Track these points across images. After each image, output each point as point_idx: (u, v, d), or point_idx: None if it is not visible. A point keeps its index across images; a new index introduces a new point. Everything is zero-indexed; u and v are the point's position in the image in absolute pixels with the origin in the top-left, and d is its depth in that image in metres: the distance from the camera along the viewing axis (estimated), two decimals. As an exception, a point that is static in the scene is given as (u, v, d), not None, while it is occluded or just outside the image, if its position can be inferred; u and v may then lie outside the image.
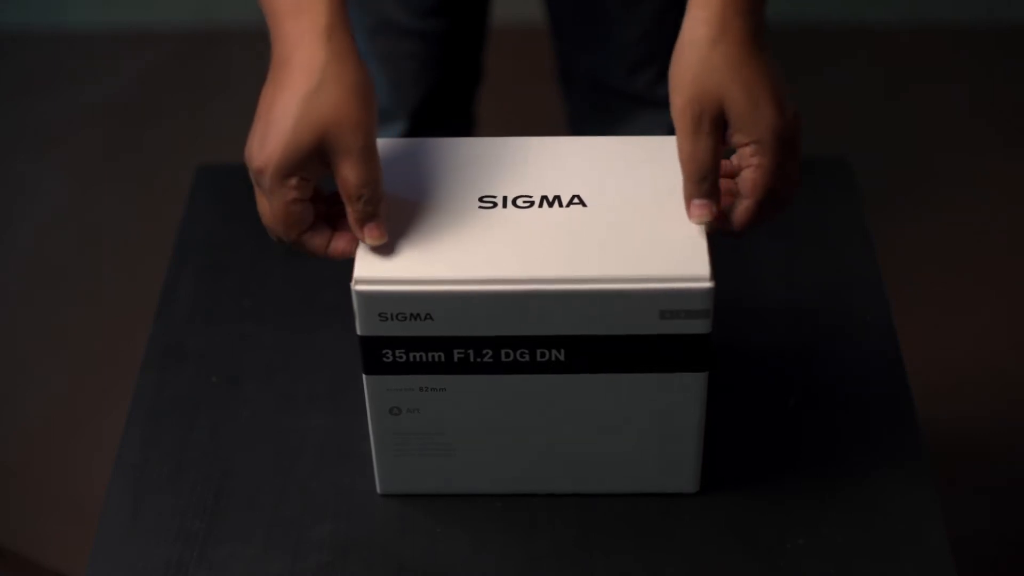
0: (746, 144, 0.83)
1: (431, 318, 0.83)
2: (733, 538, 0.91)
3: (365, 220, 0.84)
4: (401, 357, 0.85)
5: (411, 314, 0.83)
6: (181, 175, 1.35)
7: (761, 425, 0.98)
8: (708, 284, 0.83)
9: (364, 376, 0.87)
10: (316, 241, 0.86)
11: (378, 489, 0.94)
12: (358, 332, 0.85)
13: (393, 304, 0.83)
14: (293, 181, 0.83)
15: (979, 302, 1.96)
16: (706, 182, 0.83)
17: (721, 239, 0.88)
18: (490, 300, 0.83)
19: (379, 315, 0.84)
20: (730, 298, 0.90)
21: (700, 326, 0.84)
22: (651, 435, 0.90)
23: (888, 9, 2.42)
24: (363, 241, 0.84)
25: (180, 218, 1.16)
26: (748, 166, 0.84)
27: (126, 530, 0.93)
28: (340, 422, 0.99)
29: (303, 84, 0.82)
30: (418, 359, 0.85)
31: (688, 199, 0.85)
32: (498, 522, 0.92)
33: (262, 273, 1.11)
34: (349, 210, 0.84)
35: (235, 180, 1.21)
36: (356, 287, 0.83)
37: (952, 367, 1.84)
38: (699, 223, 0.85)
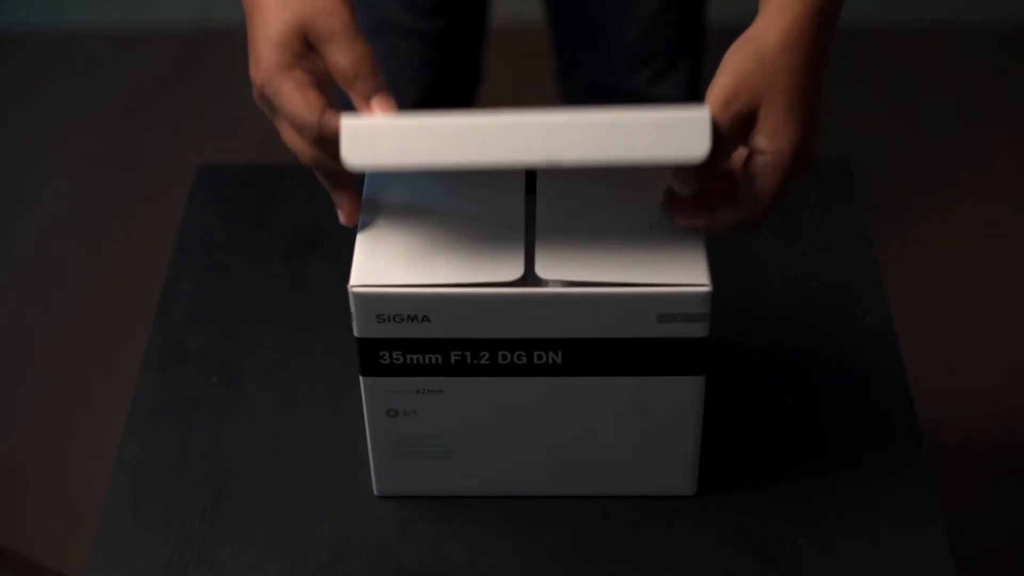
0: (764, 151, 0.82)
1: (428, 320, 0.83)
2: (733, 539, 0.91)
3: (370, 96, 0.82)
4: (398, 359, 0.85)
5: (408, 316, 0.83)
6: (181, 175, 1.35)
7: (760, 426, 0.98)
8: (706, 288, 0.83)
9: (361, 378, 0.87)
10: (336, 121, 0.82)
11: (375, 491, 0.94)
12: (355, 334, 0.85)
13: (390, 305, 0.83)
14: (295, 73, 0.82)
15: (979, 302, 1.96)
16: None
17: (721, 238, 0.88)
18: (487, 302, 0.83)
19: (376, 316, 0.84)
20: (729, 298, 0.90)
21: (698, 329, 0.84)
22: (648, 438, 0.90)
23: (889, 9, 2.42)
24: (375, 111, 0.82)
25: (180, 218, 1.17)
26: (755, 175, 0.83)
27: (126, 530, 0.93)
28: (340, 422, 0.99)
29: None
30: (415, 361, 0.85)
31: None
32: (497, 523, 0.92)
33: (262, 273, 1.11)
34: (351, 94, 0.83)
35: (235, 180, 1.21)
36: (353, 288, 0.83)
37: (952, 367, 1.84)
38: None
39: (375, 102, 0.82)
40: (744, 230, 0.85)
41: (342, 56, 0.82)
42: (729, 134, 0.81)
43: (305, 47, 0.82)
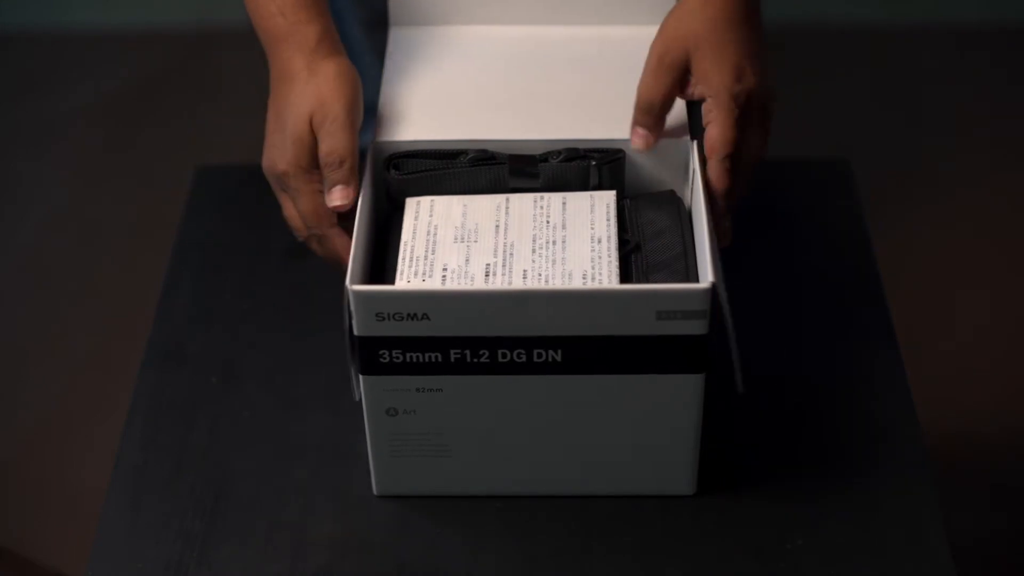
0: (703, 98, 0.91)
1: (428, 318, 0.83)
2: (733, 538, 0.91)
3: (331, 185, 0.91)
4: (398, 358, 0.85)
5: (408, 314, 0.83)
6: (181, 175, 1.35)
7: (760, 426, 0.98)
8: (705, 284, 0.83)
9: (361, 376, 0.87)
10: (343, 239, 0.93)
11: (375, 490, 0.94)
12: (355, 332, 0.85)
13: (390, 304, 0.83)
14: (314, 176, 0.92)
15: (979, 302, 1.96)
16: (650, 115, 0.93)
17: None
18: (487, 300, 0.83)
19: (376, 315, 0.84)
20: (728, 298, 0.90)
21: (697, 327, 0.84)
22: (647, 437, 0.90)
23: (888, 9, 2.42)
24: (330, 204, 0.92)
25: (180, 218, 1.17)
26: (708, 123, 0.91)
27: (126, 530, 0.93)
28: (340, 422, 0.99)
29: (299, 84, 0.93)
30: (415, 360, 0.85)
31: (632, 125, 0.94)
32: (497, 522, 0.92)
33: (262, 273, 1.11)
34: (325, 177, 0.92)
35: (235, 180, 1.21)
36: (353, 287, 0.83)
37: (952, 366, 1.84)
38: (635, 148, 0.93)
39: (334, 192, 0.92)
40: (744, 186, 0.93)
41: (328, 142, 0.92)
42: (670, 85, 0.92)
43: (312, 136, 0.92)
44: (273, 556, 0.91)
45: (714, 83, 0.91)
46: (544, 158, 0.92)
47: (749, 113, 0.91)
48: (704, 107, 0.91)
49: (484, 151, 0.92)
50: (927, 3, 2.42)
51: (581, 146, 0.93)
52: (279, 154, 0.93)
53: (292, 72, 0.94)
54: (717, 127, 0.90)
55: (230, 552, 0.91)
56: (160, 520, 0.93)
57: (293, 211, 0.94)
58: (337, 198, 0.92)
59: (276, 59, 0.96)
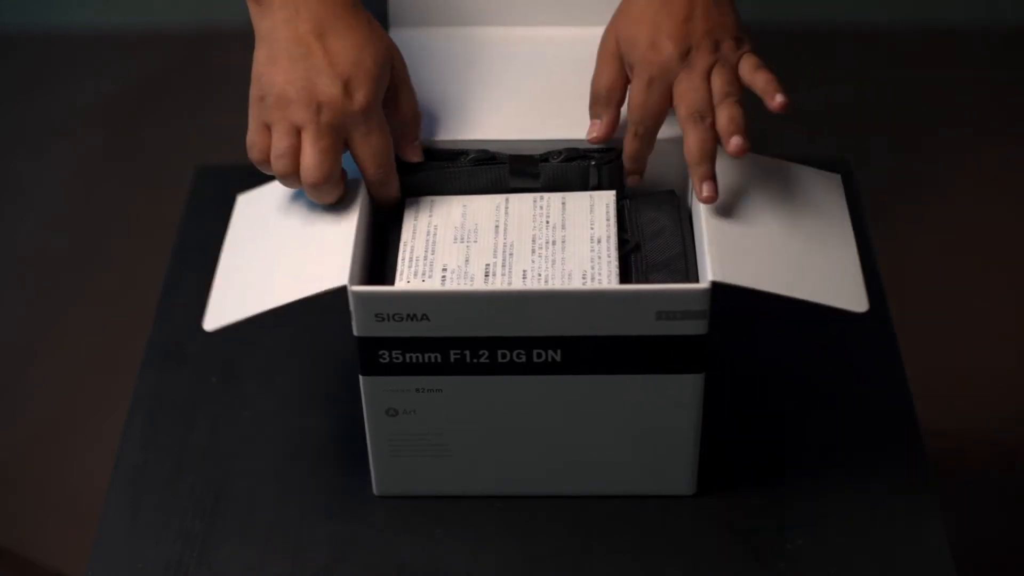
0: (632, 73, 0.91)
1: (427, 319, 0.84)
2: (733, 538, 0.91)
3: (413, 140, 0.92)
4: (398, 358, 0.85)
5: (408, 315, 0.84)
6: (181, 175, 1.35)
7: (760, 426, 0.98)
8: (705, 284, 0.83)
9: (361, 377, 0.87)
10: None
11: (375, 490, 0.94)
12: (355, 333, 0.85)
13: (390, 304, 0.83)
14: (383, 113, 0.89)
15: (979, 303, 1.96)
16: (596, 104, 0.93)
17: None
18: (487, 300, 0.83)
19: (376, 316, 0.84)
20: (728, 298, 0.90)
21: (697, 327, 0.84)
22: (647, 437, 0.90)
23: (889, 9, 2.42)
24: (409, 159, 0.92)
25: (180, 218, 1.17)
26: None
27: (126, 530, 0.93)
28: (340, 422, 0.99)
29: (363, 28, 0.89)
30: (415, 360, 0.85)
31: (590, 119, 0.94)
32: (498, 522, 0.92)
33: (262, 273, 1.11)
34: (403, 132, 0.91)
35: (235, 180, 1.20)
36: (353, 288, 0.83)
37: (952, 367, 1.84)
38: (589, 141, 0.92)
39: (413, 148, 0.92)
40: (737, 132, 0.88)
41: (410, 99, 0.91)
42: (611, 74, 0.92)
43: (387, 79, 0.89)
44: (273, 556, 0.91)
45: (632, 57, 0.91)
46: (544, 158, 0.92)
47: (685, 70, 0.89)
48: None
49: (484, 151, 0.92)
50: (927, 3, 2.42)
51: (581, 146, 0.93)
52: (347, 93, 0.86)
53: (344, 15, 0.89)
54: (633, 94, 0.91)
55: (230, 552, 0.91)
56: (160, 520, 0.93)
57: (366, 150, 0.88)
58: (417, 155, 0.92)
59: (307, 9, 0.89)
